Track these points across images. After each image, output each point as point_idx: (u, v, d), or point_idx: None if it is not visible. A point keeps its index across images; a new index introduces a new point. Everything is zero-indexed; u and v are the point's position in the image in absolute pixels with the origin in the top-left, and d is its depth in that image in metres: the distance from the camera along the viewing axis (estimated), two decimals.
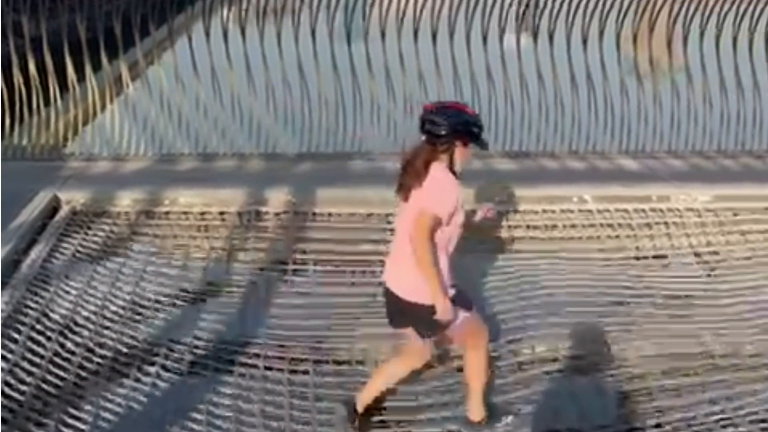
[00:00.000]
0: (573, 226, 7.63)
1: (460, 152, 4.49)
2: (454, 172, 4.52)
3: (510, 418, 5.07)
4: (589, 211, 7.80)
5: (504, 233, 7.55)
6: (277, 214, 7.76)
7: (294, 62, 9.61)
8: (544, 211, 7.76)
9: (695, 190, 8.06)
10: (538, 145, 9.63)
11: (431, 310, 4.47)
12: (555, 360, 5.76)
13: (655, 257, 7.27)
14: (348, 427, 4.93)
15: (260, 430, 5.02)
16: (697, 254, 7.34)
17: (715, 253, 7.37)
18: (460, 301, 4.62)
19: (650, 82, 9.88)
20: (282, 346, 5.84)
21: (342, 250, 7.22)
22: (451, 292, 4.55)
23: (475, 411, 4.99)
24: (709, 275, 7.01)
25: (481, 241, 7.20)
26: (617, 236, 7.51)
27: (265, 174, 8.62)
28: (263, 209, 7.80)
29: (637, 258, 7.24)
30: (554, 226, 7.62)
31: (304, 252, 7.22)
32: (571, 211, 7.79)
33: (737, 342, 5.99)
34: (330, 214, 7.77)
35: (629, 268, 7.07)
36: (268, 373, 5.56)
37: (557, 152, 9.49)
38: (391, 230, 7.49)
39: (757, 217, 7.85)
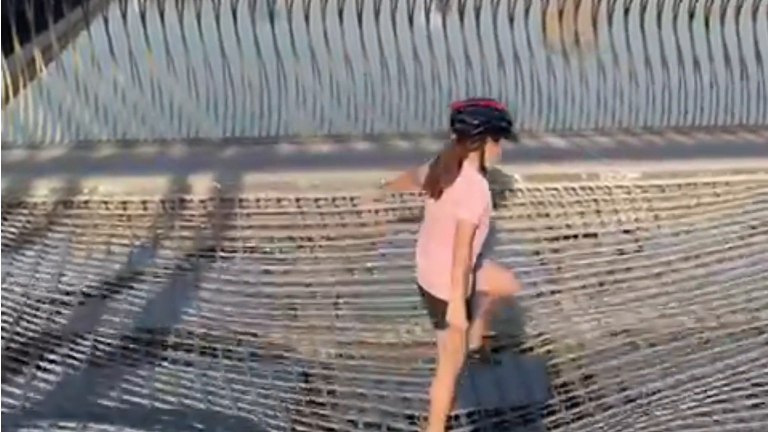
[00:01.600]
0: (504, 206, 7.57)
1: (490, 148, 4.43)
2: (484, 168, 4.48)
3: None
4: (519, 190, 7.76)
5: None
6: (202, 202, 7.54)
7: (215, 44, 9.36)
8: None
9: (624, 168, 8.08)
10: None
11: (444, 304, 4.47)
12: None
13: (585, 235, 7.28)
14: None
15: (191, 418, 4.84)
16: (627, 231, 7.38)
17: (645, 229, 7.41)
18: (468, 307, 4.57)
19: (576, 60, 9.87)
20: (212, 334, 5.70)
21: (271, 236, 7.06)
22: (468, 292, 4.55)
23: None
24: (639, 251, 7.05)
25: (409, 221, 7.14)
26: (547, 215, 7.50)
27: (188, 160, 8.37)
28: (188, 197, 7.57)
29: (567, 236, 7.25)
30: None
31: (232, 240, 7.04)
32: (501, 191, 7.74)
33: (668, 315, 6.04)
34: (258, 200, 7.58)
35: (560, 246, 7.08)
36: (200, 360, 5.41)
37: None
38: (322, 214, 7.41)
39: (684, 193, 7.91)
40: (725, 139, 9.29)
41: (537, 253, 6.96)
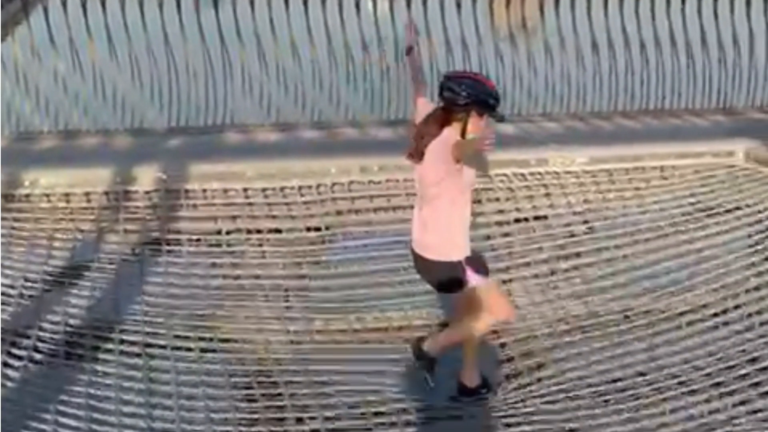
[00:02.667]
0: None
1: (474, 122, 4.52)
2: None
3: (429, 377, 5.07)
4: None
5: (384, 202, 7.41)
6: (147, 193, 7.39)
7: (159, 32, 9.15)
8: None
9: (572, 153, 8.08)
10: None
11: (446, 266, 4.61)
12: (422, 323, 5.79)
13: (535, 218, 7.28)
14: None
15: (142, 409, 4.78)
16: (576, 215, 7.39)
17: (595, 213, 7.44)
18: (475, 263, 4.70)
19: (524, 45, 9.85)
20: (159, 327, 5.60)
21: (219, 227, 6.95)
22: (463, 254, 4.65)
23: (436, 347, 4.98)
24: (588, 235, 7.06)
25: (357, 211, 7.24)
26: (497, 200, 7.48)
27: (132, 151, 8.20)
28: (132, 188, 7.41)
29: (518, 220, 7.25)
30: None
31: (178, 231, 6.92)
32: None
33: (618, 299, 6.10)
34: (204, 191, 7.45)
35: (510, 231, 7.08)
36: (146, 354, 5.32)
37: None
38: (269, 205, 7.30)
39: (632, 177, 7.94)
40: (672, 123, 9.34)
41: (488, 237, 6.94)
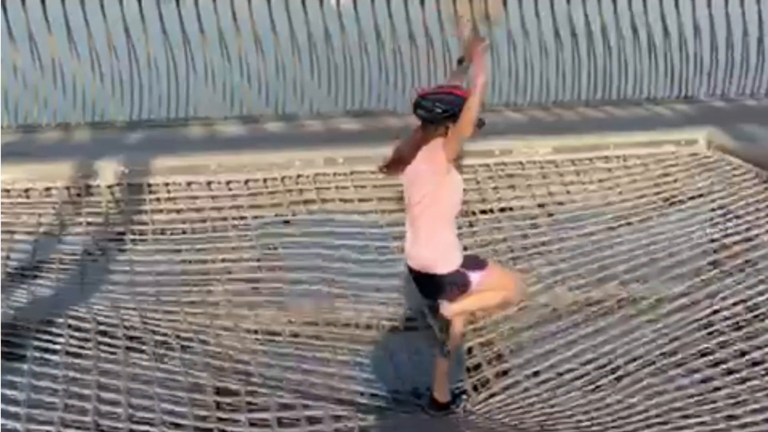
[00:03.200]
0: None
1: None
2: None
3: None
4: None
5: (350, 194, 7.40)
6: (109, 187, 7.31)
7: (120, 24, 9.04)
8: None
9: (536, 143, 8.10)
10: (380, 103, 9.49)
11: (446, 277, 4.59)
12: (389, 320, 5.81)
13: (501, 210, 7.30)
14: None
15: (107, 405, 4.67)
16: (541, 205, 7.42)
17: (559, 203, 7.47)
18: (472, 263, 4.69)
19: (487, 35, 9.85)
20: (124, 321, 5.53)
21: (183, 221, 6.90)
22: (460, 258, 4.62)
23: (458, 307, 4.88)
24: (553, 225, 7.10)
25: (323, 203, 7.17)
26: (463, 190, 7.47)
27: (93, 145, 8.12)
28: (94, 183, 7.33)
29: (483, 211, 7.26)
30: (400, 185, 7.45)
31: (141, 226, 6.85)
32: None
33: (581, 287, 6.13)
34: (167, 185, 7.38)
35: (475, 221, 7.10)
36: (110, 348, 5.23)
37: (399, 110, 9.38)
38: (233, 196, 7.26)
39: (595, 166, 7.99)
40: (634, 113, 9.42)
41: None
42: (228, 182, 7.39)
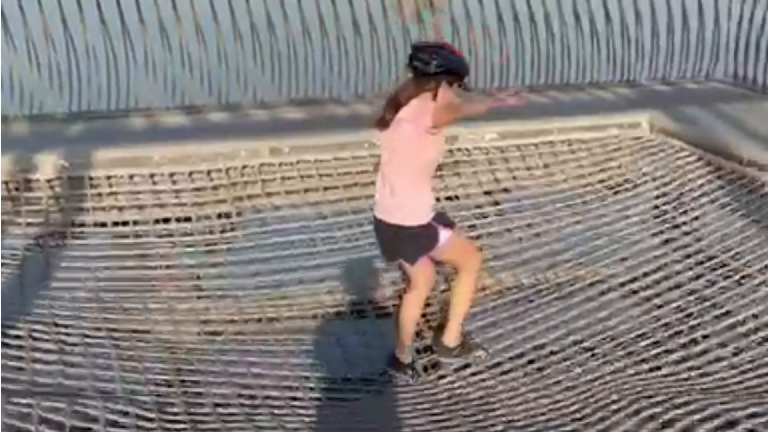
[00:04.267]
0: (365, 171, 7.49)
1: (443, 91, 4.54)
2: None
3: (481, 353, 5.13)
4: (379, 155, 7.67)
5: (297, 183, 7.33)
6: (48, 182, 7.14)
7: (57, 14, 8.83)
8: (336, 158, 7.58)
9: (481, 129, 8.10)
10: (324, 91, 9.42)
11: (416, 230, 4.63)
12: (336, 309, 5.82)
13: (447, 198, 7.30)
14: (410, 375, 5.03)
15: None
16: (487, 192, 7.44)
17: (505, 189, 7.50)
18: (441, 220, 4.74)
19: (430, 21, 9.84)
20: (66, 320, 5.43)
21: (125, 215, 6.78)
22: (431, 213, 4.68)
23: (453, 336, 5.03)
24: (499, 212, 7.12)
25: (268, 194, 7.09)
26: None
27: (32, 138, 7.92)
28: (33, 177, 7.16)
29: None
30: (347, 173, 7.47)
31: (83, 219, 6.73)
32: (363, 157, 7.65)
33: (528, 272, 6.18)
34: (109, 178, 7.24)
35: None
36: (55, 348, 5.13)
37: (344, 98, 9.34)
38: (177, 191, 7.15)
39: (541, 151, 8.02)
40: (578, 97, 9.48)
41: None
42: (171, 174, 7.27)
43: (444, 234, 4.72)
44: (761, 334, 5.33)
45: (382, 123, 4.62)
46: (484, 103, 4.76)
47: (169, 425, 4.40)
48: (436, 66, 4.47)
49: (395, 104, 4.58)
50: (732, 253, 6.31)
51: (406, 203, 4.64)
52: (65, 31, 8.85)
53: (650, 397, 4.70)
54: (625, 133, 8.27)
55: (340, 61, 9.57)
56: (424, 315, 5.35)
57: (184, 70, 9.15)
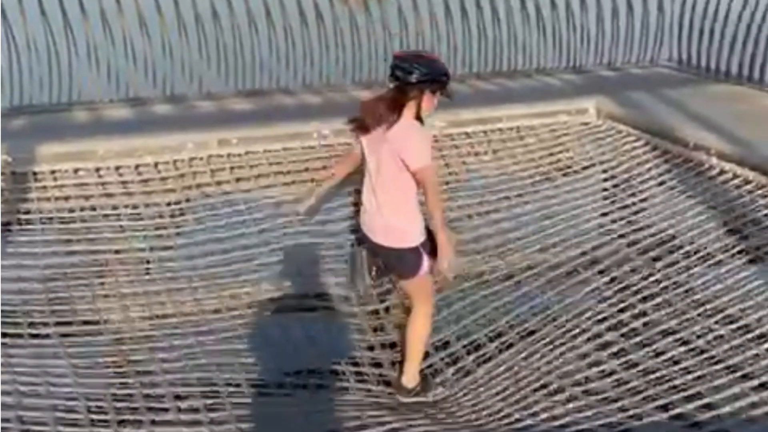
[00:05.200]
0: (315, 161, 7.44)
1: (427, 99, 4.49)
2: (419, 119, 4.51)
3: (440, 390, 5.00)
4: (331, 145, 7.64)
5: (248, 173, 7.26)
6: None
7: None
8: (285, 149, 7.51)
9: (431, 117, 8.04)
10: (272, 82, 9.34)
11: (411, 252, 4.59)
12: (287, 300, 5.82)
13: None
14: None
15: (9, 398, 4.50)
16: (447, 183, 7.43)
17: (456, 177, 7.50)
18: (427, 248, 4.65)
19: (377, 11, 9.80)
20: (13, 315, 5.34)
21: (71, 209, 6.66)
22: (422, 238, 4.62)
23: (411, 377, 4.92)
24: (451, 198, 7.12)
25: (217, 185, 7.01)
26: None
27: None
28: None
29: None
30: (297, 162, 7.40)
31: (28, 215, 6.59)
32: (313, 147, 7.61)
33: (480, 259, 6.22)
34: (54, 172, 7.09)
35: None
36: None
37: (292, 88, 9.27)
38: (123, 182, 7.03)
39: (489, 138, 8.04)
40: (526, 84, 9.53)
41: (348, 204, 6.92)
42: (117, 168, 7.15)
43: (426, 265, 4.65)
44: (713, 314, 5.40)
45: (362, 128, 4.53)
46: (441, 225, 4.54)
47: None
48: (418, 76, 4.42)
49: (382, 115, 4.46)
50: (680, 235, 6.39)
51: (396, 224, 4.59)
52: (4, 24, 8.65)
53: (595, 379, 4.77)
54: (573, 119, 8.33)
55: (287, 52, 9.50)
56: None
57: (127, 62, 9.00)
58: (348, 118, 4.64)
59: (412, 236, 4.60)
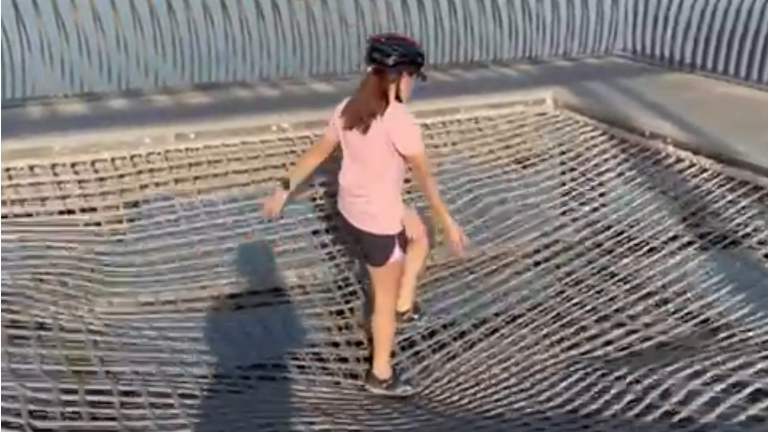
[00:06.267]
0: (274, 155, 7.42)
1: (405, 82, 4.59)
2: (399, 101, 4.60)
3: (408, 388, 5.07)
4: (290, 139, 7.61)
5: (206, 168, 7.20)
6: None
7: None
8: (244, 142, 7.47)
9: None
10: (228, 75, 9.28)
11: (385, 239, 4.69)
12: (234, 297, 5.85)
13: None
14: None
15: None
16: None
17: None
18: (401, 240, 4.76)
19: (334, 2, 9.76)
20: None
21: (26, 207, 6.56)
22: (399, 228, 4.73)
23: (383, 368, 5.00)
24: (410, 189, 7.13)
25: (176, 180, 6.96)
26: None
27: None
28: None
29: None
30: (256, 157, 7.37)
31: None
32: (271, 141, 7.57)
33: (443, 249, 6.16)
34: (8, 170, 6.96)
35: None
36: None
37: (249, 81, 9.21)
38: (80, 181, 6.94)
39: (448, 130, 8.06)
40: (483, 75, 9.56)
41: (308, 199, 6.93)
42: (73, 164, 7.05)
43: (398, 253, 4.74)
44: (669, 304, 5.48)
45: (360, 126, 4.58)
46: (441, 206, 4.74)
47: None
48: (395, 58, 4.49)
49: (369, 109, 4.54)
50: (637, 223, 6.48)
51: (382, 212, 4.69)
52: None
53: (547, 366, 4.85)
54: (531, 109, 8.38)
55: (244, 44, 9.43)
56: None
57: (82, 56, 8.87)
58: (339, 119, 4.71)
59: (389, 224, 4.68)
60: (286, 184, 5.03)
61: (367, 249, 4.81)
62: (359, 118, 4.58)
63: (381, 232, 4.69)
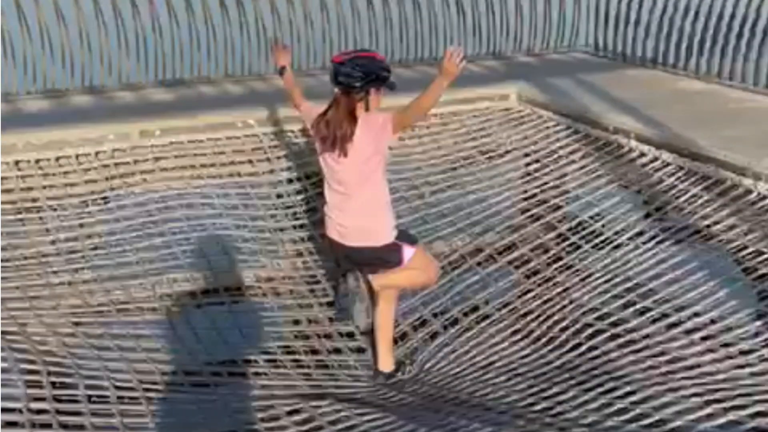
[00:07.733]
0: (241, 151, 7.41)
1: (374, 98, 4.69)
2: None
3: (409, 368, 5.17)
4: (255, 135, 7.60)
5: (169, 166, 7.18)
6: None
7: None
8: (210, 139, 7.45)
9: None
10: (193, 71, 9.23)
11: (389, 247, 4.74)
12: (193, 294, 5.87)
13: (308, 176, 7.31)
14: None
15: None
16: None
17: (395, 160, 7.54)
18: (405, 238, 4.82)
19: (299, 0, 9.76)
20: None
21: None
22: (395, 232, 4.80)
23: (387, 362, 5.07)
24: None
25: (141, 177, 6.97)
26: (286, 156, 7.44)
27: None
28: None
29: (290, 180, 7.29)
30: (222, 153, 7.36)
31: None
32: (238, 137, 7.56)
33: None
34: None
35: (299, 188, 7.13)
36: None
37: (213, 77, 9.18)
38: (45, 175, 6.90)
39: (428, 122, 8.10)
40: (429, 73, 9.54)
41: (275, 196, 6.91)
42: (38, 161, 6.99)
43: (408, 253, 4.80)
44: (630, 297, 5.56)
45: (339, 150, 4.61)
46: (436, 86, 4.74)
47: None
48: (360, 79, 4.56)
49: (343, 130, 4.58)
50: (601, 218, 6.56)
51: (372, 222, 4.73)
52: None
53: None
54: (495, 105, 8.43)
55: (208, 41, 9.39)
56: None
57: (44, 53, 8.78)
58: (315, 136, 4.79)
59: (386, 234, 4.74)
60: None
61: (376, 263, 4.83)
62: (334, 143, 4.63)
63: (380, 244, 4.74)
